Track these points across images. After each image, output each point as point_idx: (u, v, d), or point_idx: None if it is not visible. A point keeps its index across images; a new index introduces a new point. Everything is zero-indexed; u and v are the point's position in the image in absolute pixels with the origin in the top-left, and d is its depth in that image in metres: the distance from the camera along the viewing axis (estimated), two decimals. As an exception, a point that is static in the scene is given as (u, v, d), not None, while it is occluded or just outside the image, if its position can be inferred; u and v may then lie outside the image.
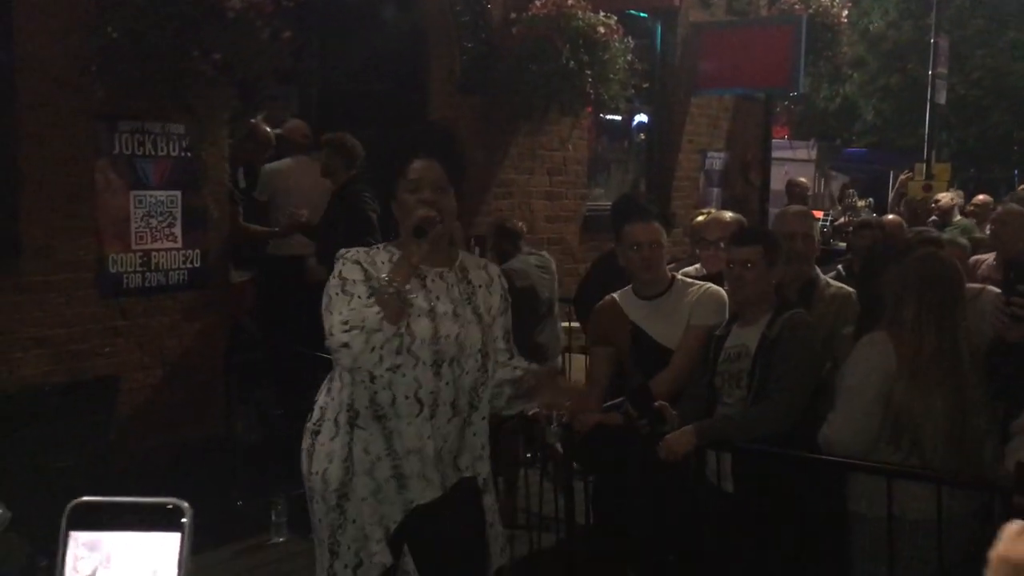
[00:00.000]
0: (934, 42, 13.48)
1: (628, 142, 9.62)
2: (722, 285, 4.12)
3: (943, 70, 13.85)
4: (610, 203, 6.54)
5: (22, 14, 4.82)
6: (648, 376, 3.93)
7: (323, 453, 2.85)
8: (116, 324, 5.33)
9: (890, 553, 3.21)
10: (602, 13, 7.30)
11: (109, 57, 4.90)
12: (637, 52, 7.70)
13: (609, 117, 8.80)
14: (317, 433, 2.90)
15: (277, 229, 6.55)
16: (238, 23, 4.88)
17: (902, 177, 13.07)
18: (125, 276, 5.34)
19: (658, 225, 4.06)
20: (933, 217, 9.48)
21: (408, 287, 2.65)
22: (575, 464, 4.38)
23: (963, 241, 5.73)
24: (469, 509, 2.92)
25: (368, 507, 2.82)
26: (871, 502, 3.29)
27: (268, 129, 6.89)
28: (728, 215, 4.92)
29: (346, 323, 2.65)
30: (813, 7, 10.05)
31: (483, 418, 2.92)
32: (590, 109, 7.79)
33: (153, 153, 5.38)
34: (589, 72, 7.12)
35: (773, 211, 8.74)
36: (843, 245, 9.36)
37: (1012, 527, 1.06)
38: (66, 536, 1.02)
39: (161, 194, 5.44)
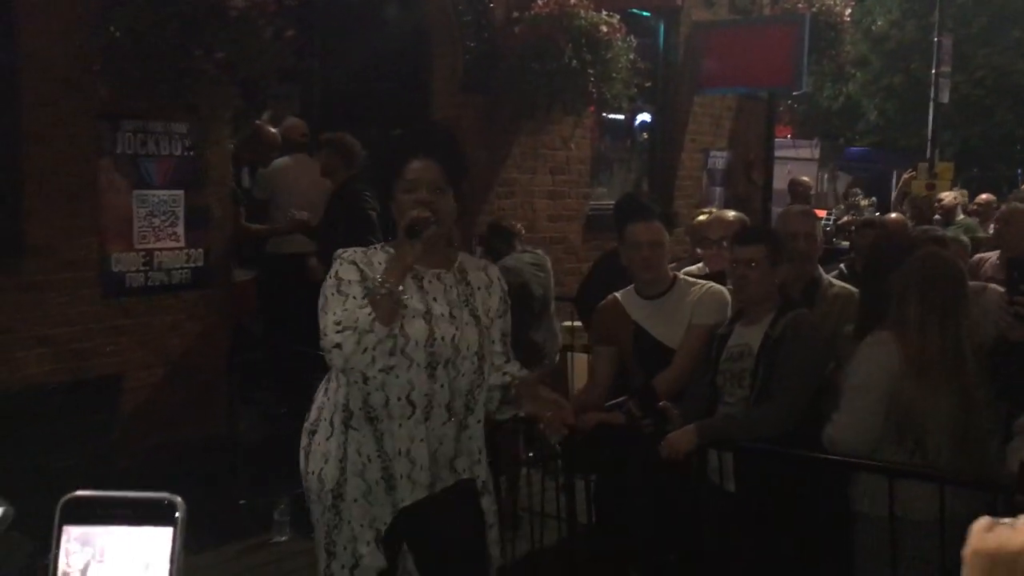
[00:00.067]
0: (937, 41, 13.48)
1: (631, 141, 9.62)
2: (724, 284, 4.12)
3: (946, 69, 13.84)
4: (613, 202, 6.54)
5: (25, 13, 4.83)
6: (650, 375, 3.93)
7: (319, 453, 2.85)
8: (119, 323, 5.34)
9: (892, 553, 3.20)
10: (605, 12, 7.30)
11: (112, 56, 4.91)
12: (640, 51, 7.70)
13: (612, 116, 8.81)
14: (314, 433, 2.90)
15: (279, 227, 6.56)
16: (241, 22, 4.89)
17: (905, 176, 13.05)
18: (128, 275, 5.34)
19: (660, 225, 4.05)
20: (936, 216, 9.47)
21: (401, 288, 2.63)
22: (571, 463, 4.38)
23: (963, 238, 5.73)
24: (468, 510, 2.91)
25: (359, 509, 2.81)
26: (874, 502, 3.29)
27: (273, 130, 6.89)
28: (731, 214, 4.92)
29: (339, 324, 2.63)
30: (816, 6, 10.04)
31: (479, 421, 2.90)
32: (593, 108, 7.79)
33: (156, 152, 5.39)
34: (592, 71, 7.12)
35: (776, 210, 8.75)
36: (846, 244, 9.35)
37: (980, 523, 1.09)
38: (59, 530, 1.02)
39: (164, 193, 5.45)
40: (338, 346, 2.63)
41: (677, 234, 5.49)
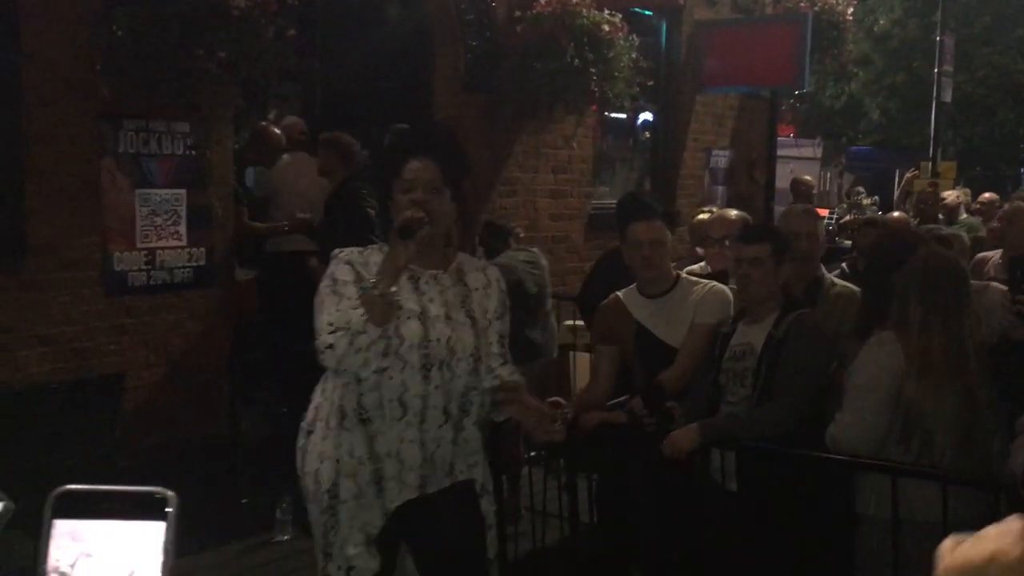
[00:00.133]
0: (940, 40, 13.44)
1: (633, 140, 9.62)
2: (727, 283, 4.12)
3: (949, 68, 13.80)
4: (615, 201, 6.54)
5: (27, 13, 4.83)
6: (652, 374, 3.92)
7: (315, 453, 2.84)
8: (121, 322, 5.34)
9: (895, 554, 3.19)
10: (607, 11, 7.29)
11: (114, 56, 4.92)
12: (642, 50, 7.69)
13: (614, 115, 8.80)
14: (310, 433, 2.89)
15: (282, 225, 6.55)
16: (243, 22, 4.89)
17: (908, 175, 13.04)
18: (130, 274, 5.34)
19: (662, 224, 4.04)
20: (940, 215, 9.46)
21: (395, 289, 2.62)
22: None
23: (962, 235, 5.72)
24: (468, 512, 2.91)
25: (348, 511, 2.80)
26: (879, 504, 3.28)
27: (278, 131, 6.89)
28: (733, 213, 4.92)
29: (332, 324, 2.63)
30: (818, 5, 10.03)
31: (475, 423, 2.88)
32: (595, 107, 7.79)
33: (158, 152, 5.39)
34: (594, 70, 7.12)
35: (778, 209, 8.75)
36: (849, 243, 9.35)
37: (947, 542, 1.13)
38: (50, 524, 1.03)
39: (166, 192, 5.45)
40: (331, 347, 2.62)
41: (679, 233, 5.49)
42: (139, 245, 5.36)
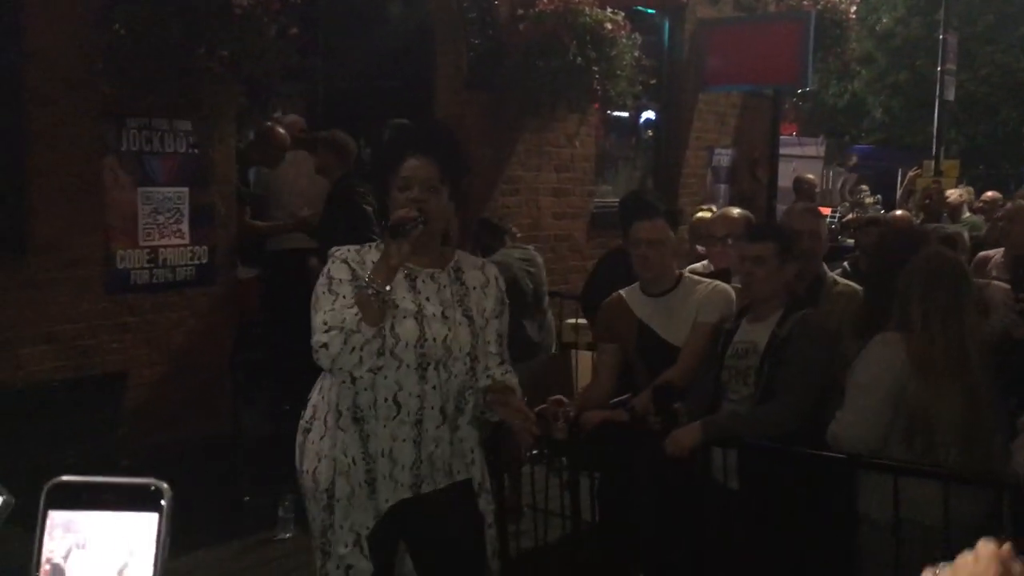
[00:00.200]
0: (943, 38, 13.44)
1: (635, 139, 9.62)
2: (729, 282, 4.12)
3: (952, 66, 13.80)
4: (617, 200, 6.53)
5: (30, 11, 4.83)
6: (654, 373, 3.92)
7: (312, 452, 2.84)
8: (123, 320, 5.34)
9: (897, 555, 3.19)
10: (609, 9, 7.29)
11: (116, 54, 4.92)
12: (645, 48, 7.69)
13: (616, 114, 8.80)
14: (308, 431, 2.88)
15: (285, 223, 6.55)
16: (245, 20, 4.89)
17: (911, 174, 13.03)
18: (132, 272, 5.35)
19: (664, 223, 4.02)
20: (944, 213, 9.46)
21: (389, 288, 2.61)
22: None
23: (962, 233, 5.71)
24: (466, 512, 2.90)
25: (341, 509, 2.80)
26: (881, 506, 3.27)
27: (284, 132, 6.88)
28: (736, 211, 4.92)
29: (326, 323, 2.62)
30: (821, 3, 10.02)
31: (469, 422, 2.88)
32: (597, 106, 7.78)
33: (160, 150, 5.39)
34: (596, 68, 7.11)
35: (781, 208, 8.74)
36: (851, 242, 9.34)
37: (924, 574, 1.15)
38: (44, 516, 1.02)
39: (168, 191, 5.45)
40: (325, 346, 2.61)
41: (681, 231, 5.48)
42: (141, 243, 5.36)
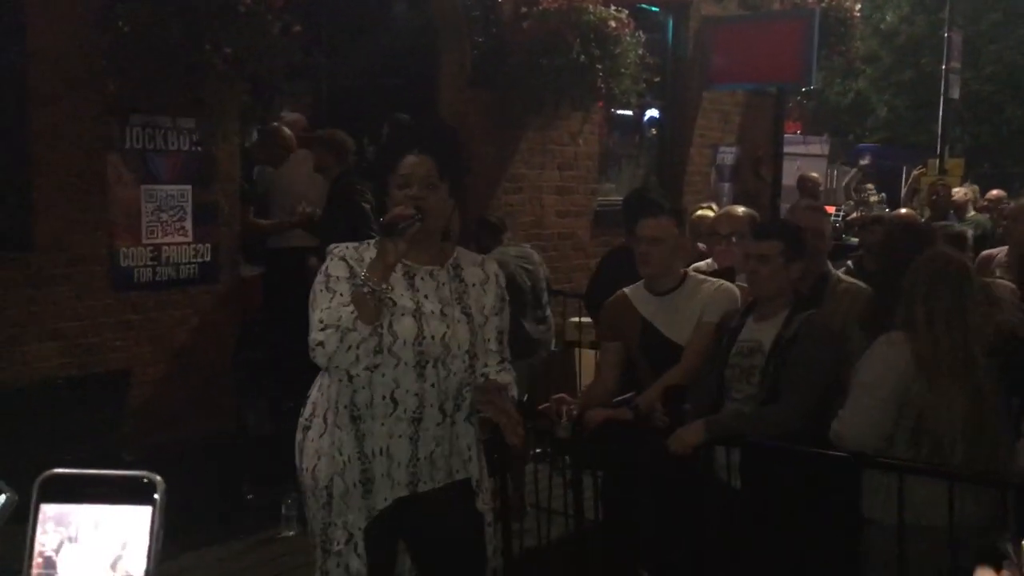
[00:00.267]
0: (948, 37, 13.42)
1: (639, 137, 9.60)
2: (733, 280, 4.11)
3: (956, 65, 13.79)
4: (621, 198, 6.52)
5: (33, 10, 4.83)
6: (658, 372, 3.91)
7: (312, 450, 2.83)
8: (127, 318, 5.35)
9: (900, 555, 3.18)
10: (613, 7, 7.28)
11: (120, 52, 4.91)
12: (649, 46, 7.68)
13: (620, 112, 8.77)
14: (308, 429, 2.87)
15: (288, 221, 6.55)
16: (249, 18, 4.89)
17: (915, 172, 13.02)
18: (136, 270, 5.35)
19: (667, 221, 4.01)
20: (950, 211, 9.44)
21: (386, 286, 2.59)
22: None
23: (966, 231, 5.70)
24: (465, 510, 2.89)
25: (337, 507, 2.79)
26: (886, 507, 3.26)
27: (289, 132, 6.88)
28: (740, 209, 4.92)
29: (322, 322, 2.61)
30: (826, 1, 10.01)
31: (467, 420, 2.86)
32: (601, 104, 7.77)
33: (164, 148, 5.39)
34: (600, 67, 7.10)
35: (784, 206, 8.72)
36: (855, 240, 9.33)
37: None
38: (36, 509, 1.02)
39: (172, 188, 5.45)
40: (321, 344, 2.60)
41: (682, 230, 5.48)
42: (145, 241, 5.36)
